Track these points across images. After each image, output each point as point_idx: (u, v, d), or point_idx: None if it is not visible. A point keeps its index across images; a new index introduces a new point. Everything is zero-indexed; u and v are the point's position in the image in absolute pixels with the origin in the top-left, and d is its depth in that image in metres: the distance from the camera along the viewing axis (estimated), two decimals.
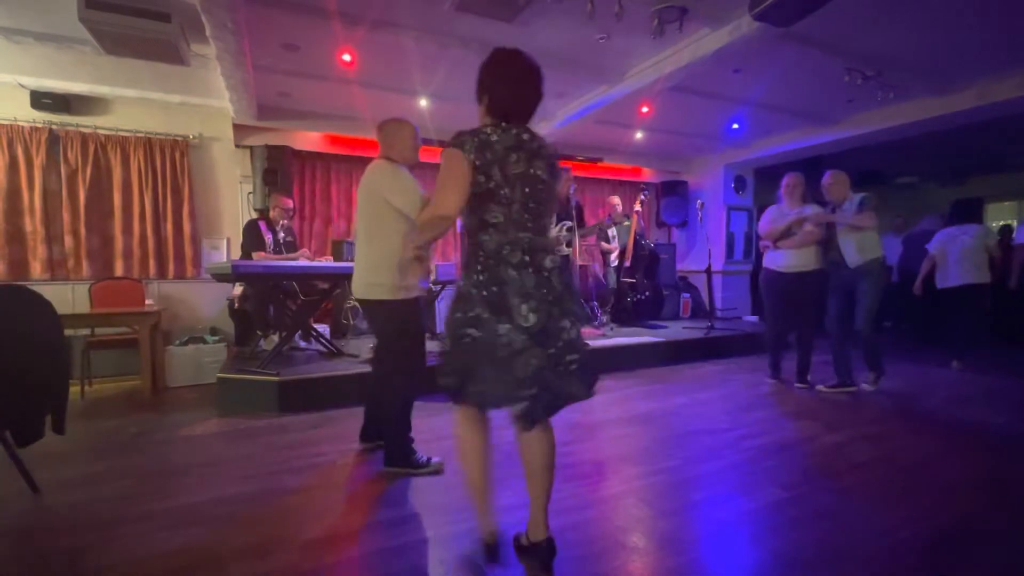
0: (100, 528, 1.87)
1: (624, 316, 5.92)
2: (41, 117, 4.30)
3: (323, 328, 4.61)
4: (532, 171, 1.51)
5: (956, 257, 4.64)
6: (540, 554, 1.53)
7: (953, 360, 4.66)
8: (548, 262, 1.50)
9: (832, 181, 3.72)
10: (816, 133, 5.77)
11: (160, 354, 4.04)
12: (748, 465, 2.44)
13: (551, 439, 1.55)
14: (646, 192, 6.24)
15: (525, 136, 1.53)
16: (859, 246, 3.58)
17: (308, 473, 2.35)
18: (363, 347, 4.28)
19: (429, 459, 2.36)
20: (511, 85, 1.54)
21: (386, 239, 2.21)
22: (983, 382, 4.12)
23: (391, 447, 2.36)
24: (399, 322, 2.27)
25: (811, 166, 7.16)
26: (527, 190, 1.50)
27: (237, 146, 5.04)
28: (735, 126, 5.86)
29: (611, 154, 6.91)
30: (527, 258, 1.47)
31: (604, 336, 4.98)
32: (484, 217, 1.49)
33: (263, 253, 4.20)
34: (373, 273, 2.24)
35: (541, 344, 1.44)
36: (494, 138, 1.47)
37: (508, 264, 1.45)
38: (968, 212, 4.90)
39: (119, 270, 4.60)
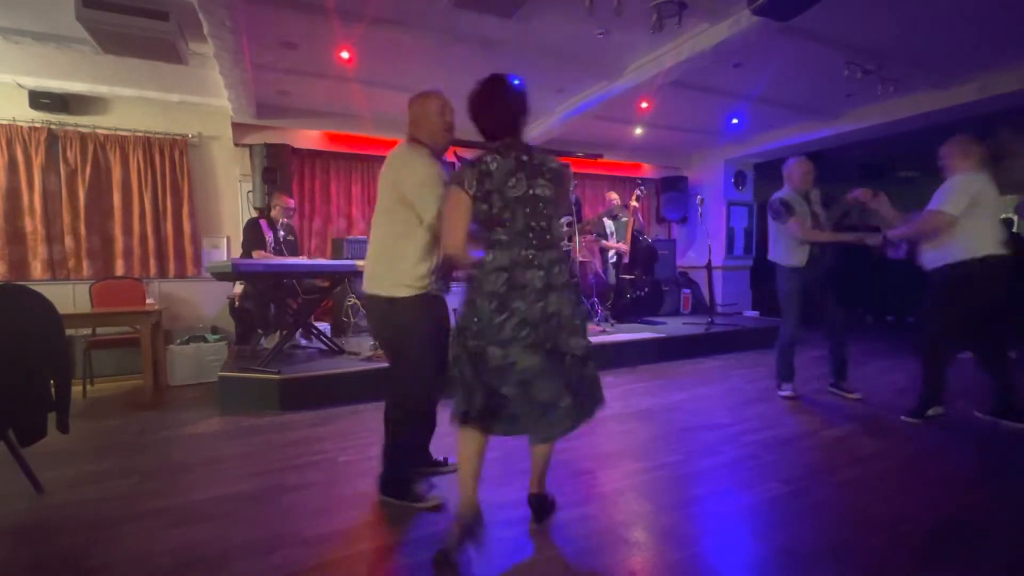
0: (103, 526, 1.88)
1: (623, 312, 5.92)
2: (40, 117, 4.30)
3: (324, 326, 4.62)
4: (531, 191, 1.63)
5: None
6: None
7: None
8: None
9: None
10: (816, 127, 5.76)
11: (161, 353, 4.05)
12: (749, 460, 2.44)
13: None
14: (642, 188, 6.24)
15: (524, 157, 1.65)
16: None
17: (309, 471, 2.36)
18: (364, 345, 4.28)
19: (429, 489, 2.10)
20: (482, 109, 1.72)
21: (390, 228, 1.98)
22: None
23: (385, 471, 2.08)
24: (400, 322, 1.98)
25: (811, 160, 7.16)
26: (527, 210, 1.61)
27: (236, 145, 5.04)
28: (735, 121, 5.85)
29: (611, 150, 6.90)
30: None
31: (604, 332, 4.98)
32: (491, 238, 1.63)
33: (263, 252, 4.21)
34: (374, 266, 2.02)
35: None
36: (493, 166, 1.60)
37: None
38: None
39: (120, 269, 4.61)
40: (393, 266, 1.95)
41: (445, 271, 2.02)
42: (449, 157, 6.90)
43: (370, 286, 2.01)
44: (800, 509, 1.96)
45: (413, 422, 2.07)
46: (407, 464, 2.07)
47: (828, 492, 2.10)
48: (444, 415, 3.09)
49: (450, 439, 2.71)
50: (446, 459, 2.37)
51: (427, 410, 2.07)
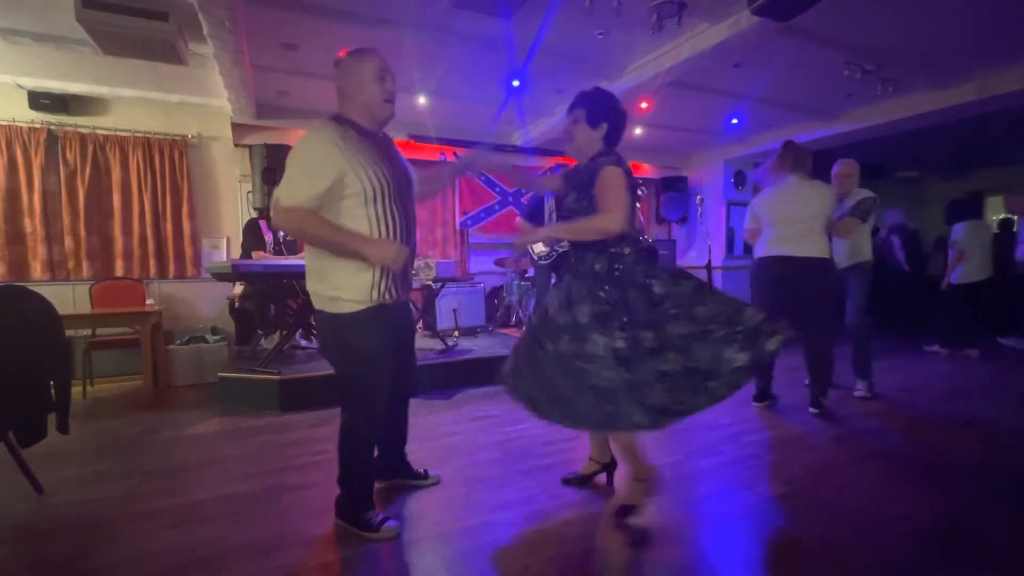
0: (103, 527, 1.88)
1: None
2: (39, 117, 4.29)
3: None
4: None
5: (986, 250, 4.69)
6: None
7: (970, 350, 4.76)
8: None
9: (843, 171, 3.55)
10: (816, 127, 5.75)
11: (161, 354, 4.05)
12: (749, 460, 2.44)
13: None
14: (642, 188, 6.24)
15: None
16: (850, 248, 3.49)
17: (310, 471, 2.36)
18: None
19: (385, 519, 1.80)
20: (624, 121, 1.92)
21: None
22: (986, 373, 4.12)
23: (340, 494, 1.86)
24: (339, 341, 1.72)
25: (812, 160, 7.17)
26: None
27: (236, 145, 5.03)
28: (735, 121, 5.85)
29: None
30: None
31: None
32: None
33: (263, 252, 4.20)
34: (309, 278, 1.74)
35: None
36: None
37: None
38: (976, 206, 4.94)
39: (119, 270, 4.60)
40: (328, 277, 1.65)
41: (403, 273, 1.77)
42: (449, 156, 6.92)
43: (313, 301, 1.75)
44: (800, 509, 1.96)
45: (358, 454, 1.82)
46: (360, 489, 1.83)
47: (828, 492, 2.10)
48: (433, 420, 3.07)
49: (450, 439, 2.72)
50: (426, 471, 2.21)
51: (372, 443, 1.84)
